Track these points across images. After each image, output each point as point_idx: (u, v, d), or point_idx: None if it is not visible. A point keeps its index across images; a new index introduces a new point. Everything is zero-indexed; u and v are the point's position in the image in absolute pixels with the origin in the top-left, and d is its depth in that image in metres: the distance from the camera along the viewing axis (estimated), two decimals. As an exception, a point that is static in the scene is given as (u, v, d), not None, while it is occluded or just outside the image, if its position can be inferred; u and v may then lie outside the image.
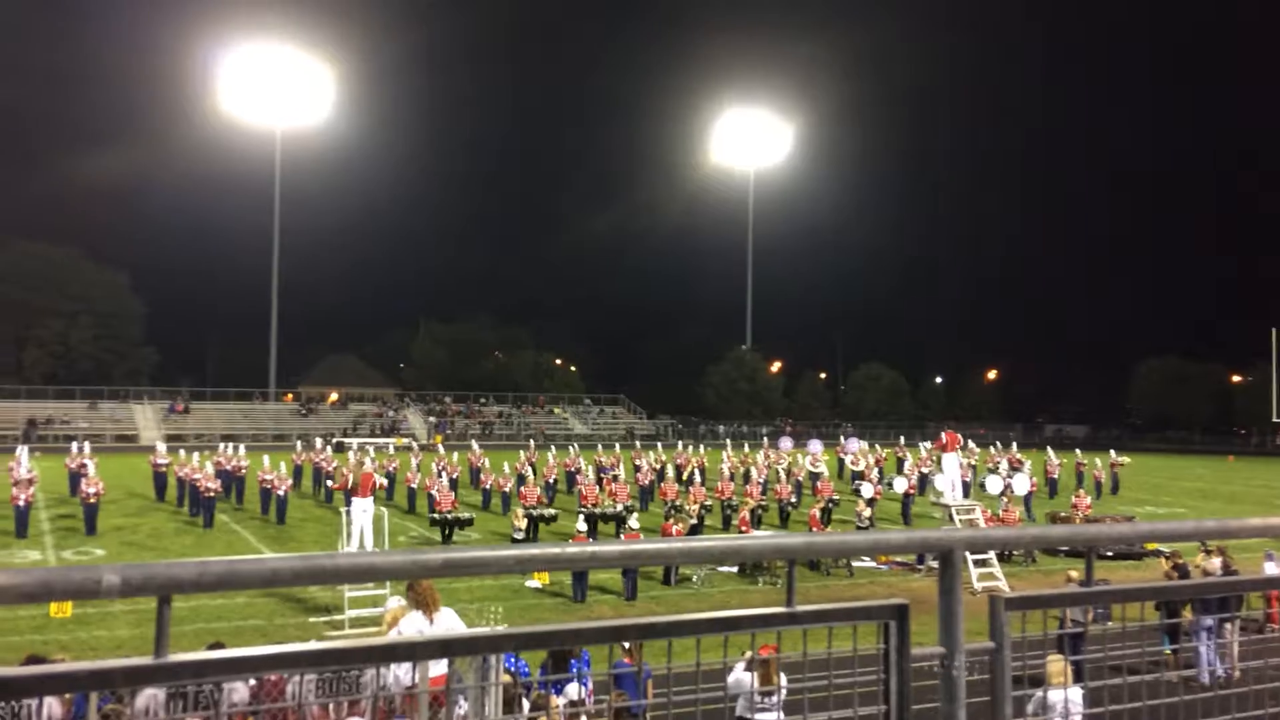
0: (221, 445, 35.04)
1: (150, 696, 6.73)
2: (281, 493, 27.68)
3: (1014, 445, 42.16)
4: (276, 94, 74.70)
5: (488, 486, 31.29)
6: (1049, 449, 41.42)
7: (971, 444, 37.33)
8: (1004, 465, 36.53)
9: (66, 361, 76.76)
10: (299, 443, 39.75)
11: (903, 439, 51.80)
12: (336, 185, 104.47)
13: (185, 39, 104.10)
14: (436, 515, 25.05)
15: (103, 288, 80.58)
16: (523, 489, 27.83)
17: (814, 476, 32.72)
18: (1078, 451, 41.24)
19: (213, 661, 1.65)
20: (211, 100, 76.81)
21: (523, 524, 23.20)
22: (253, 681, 6.81)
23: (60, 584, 1.54)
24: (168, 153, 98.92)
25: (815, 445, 37.51)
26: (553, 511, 27.00)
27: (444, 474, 30.03)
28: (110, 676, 1.58)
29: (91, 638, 15.22)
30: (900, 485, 30.45)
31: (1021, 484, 29.95)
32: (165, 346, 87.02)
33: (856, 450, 38.28)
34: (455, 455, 36.20)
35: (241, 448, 33.20)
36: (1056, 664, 8.04)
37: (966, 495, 23.27)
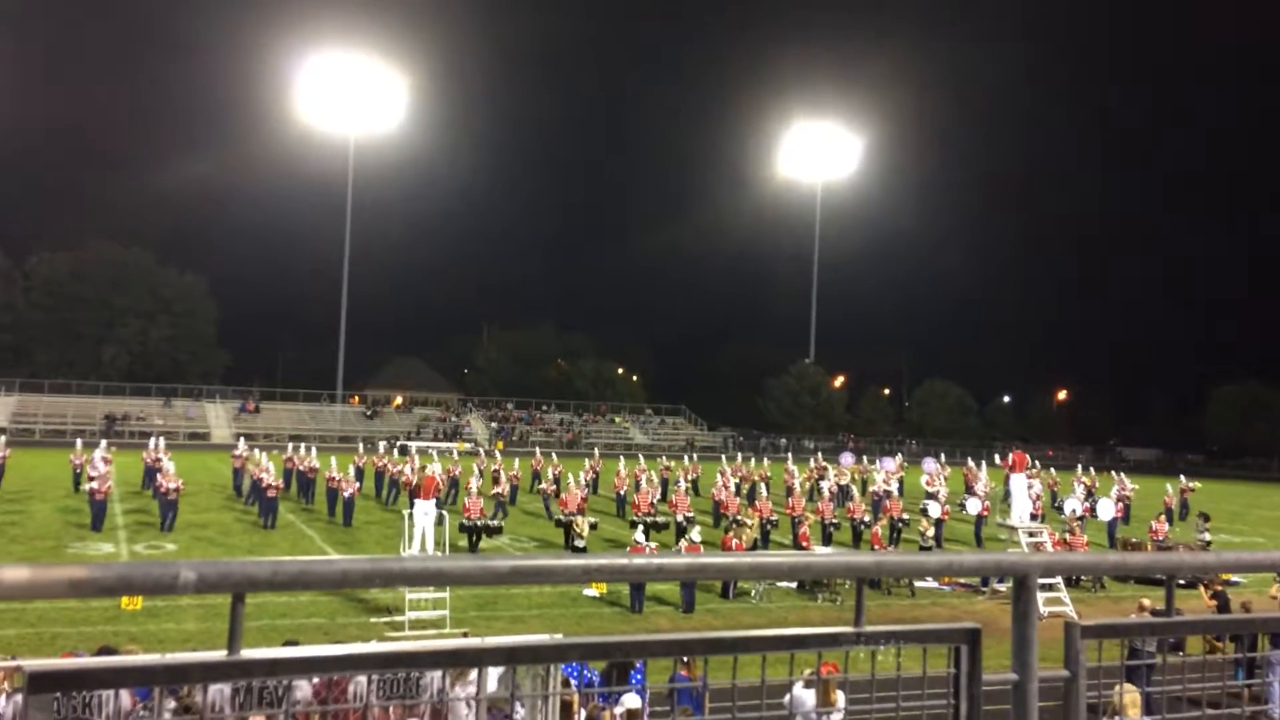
0: (290, 445, 35.68)
1: (217, 691, 6.85)
2: (348, 494, 27.96)
3: (1086, 468, 41.07)
4: (350, 102, 76.26)
5: (549, 493, 31.42)
6: (1121, 473, 40.35)
7: (1037, 465, 36.38)
8: (1080, 489, 35.62)
9: (144, 360, 79.11)
10: (361, 445, 40.36)
11: (975, 459, 50.73)
12: (406, 192, 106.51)
13: (263, 49, 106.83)
14: (465, 521, 24.88)
15: (180, 289, 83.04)
16: (564, 496, 27.78)
17: (884, 494, 32.27)
18: (1115, 474, 40.03)
19: (284, 660, 1.66)
20: (288, 108, 78.85)
21: (584, 531, 23.20)
22: (316, 680, 6.90)
23: (139, 578, 1.56)
24: (246, 160, 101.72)
25: (889, 463, 36.79)
26: (594, 519, 27.07)
27: (505, 480, 30.28)
28: (186, 672, 1.60)
29: (160, 630, 15.57)
30: (974, 506, 29.66)
31: (1105, 509, 28.96)
32: (238, 348, 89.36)
33: (934, 470, 37.14)
34: (516, 461, 36.50)
35: (314, 449, 33.65)
36: (1130, 695, 7.79)
37: (1036, 518, 22.78)
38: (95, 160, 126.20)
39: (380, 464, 34.67)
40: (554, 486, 31.21)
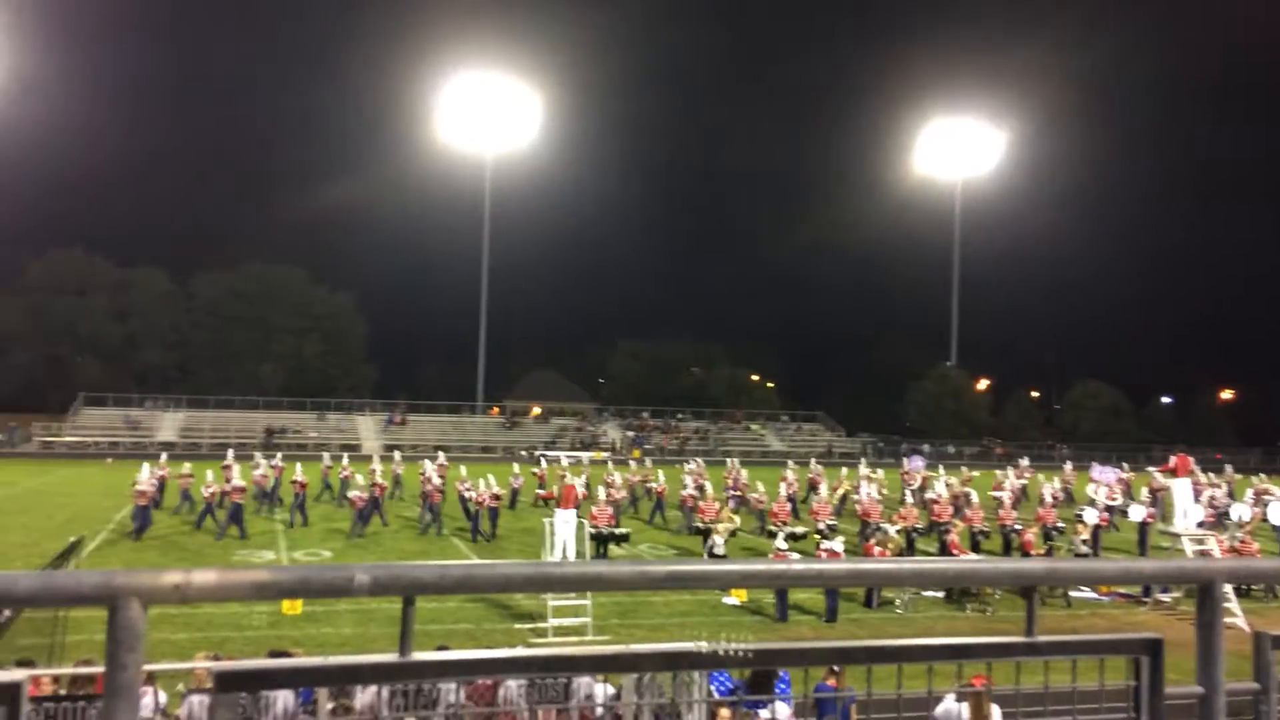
0: (441, 456, 36.43)
1: (372, 693, 7.09)
2: (493, 506, 28.28)
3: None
4: (487, 120, 78.34)
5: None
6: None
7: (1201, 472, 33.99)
8: (1249, 493, 33.40)
9: (298, 375, 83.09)
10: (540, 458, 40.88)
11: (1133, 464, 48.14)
12: (541, 207, 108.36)
13: (405, 74, 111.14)
14: (593, 530, 24.74)
15: (331, 307, 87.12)
16: (701, 504, 27.62)
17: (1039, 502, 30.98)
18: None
19: (453, 662, 1.69)
20: (429, 129, 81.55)
21: (723, 538, 23.09)
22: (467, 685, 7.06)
23: (317, 582, 1.62)
24: (390, 180, 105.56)
25: (1108, 474, 34.72)
26: (733, 526, 26.81)
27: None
28: (359, 673, 1.65)
29: (319, 634, 16.24)
30: (1137, 513, 28.08)
31: (1278, 513, 27.09)
32: (384, 362, 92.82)
33: (1113, 481, 35.00)
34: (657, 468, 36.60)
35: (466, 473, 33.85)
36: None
37: (1205, 525, 21.52)
38: (251, 183, 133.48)
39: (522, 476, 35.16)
40: (694, 495, 31.04)
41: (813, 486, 35.68)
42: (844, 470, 38.76)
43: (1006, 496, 29.63)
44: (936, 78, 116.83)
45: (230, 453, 34.10)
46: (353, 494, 27.76)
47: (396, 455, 34.60)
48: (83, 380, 73.49)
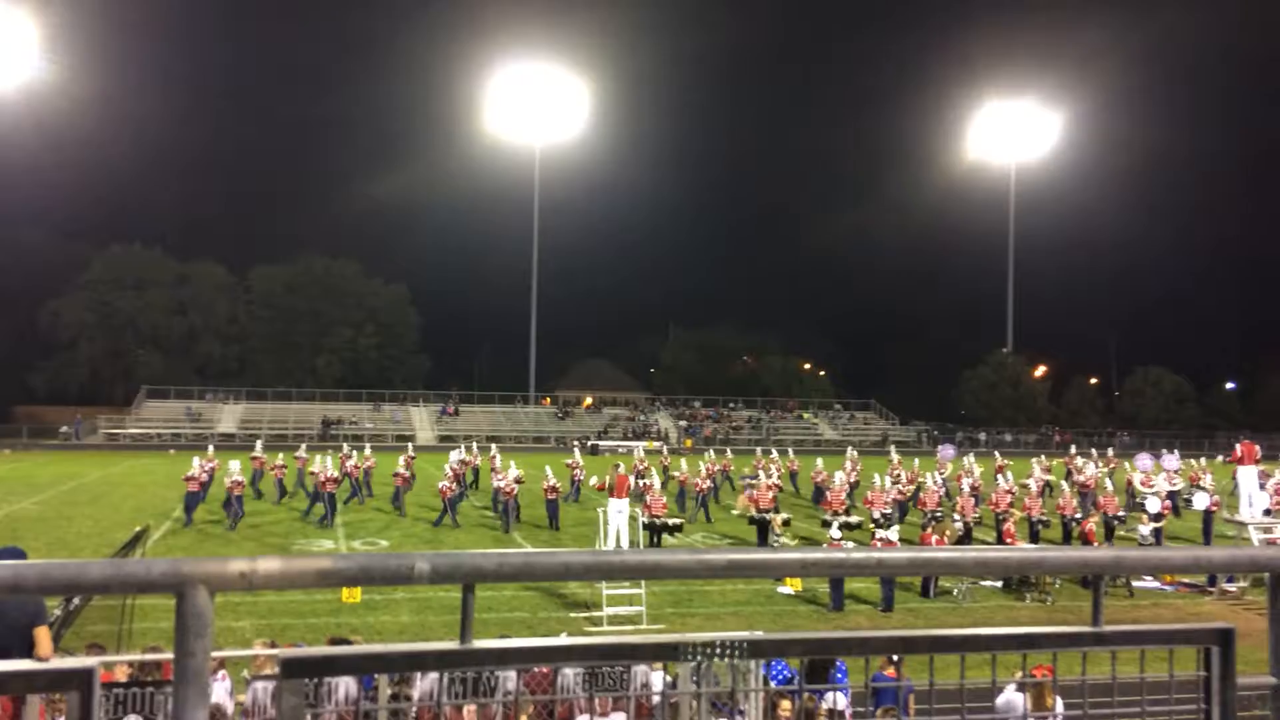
0: (493, 447, 36.72)
1: (432, 680, 7.17)
2: (553, 497, 28.22)
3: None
4: (535, 111, 78.69)
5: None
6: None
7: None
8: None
9: (354, 366, 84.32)
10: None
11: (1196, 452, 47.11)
12: (590, 197, 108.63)
13: (453, 66, 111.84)
14: (646, 519, 24.60)
15: (385, 299, 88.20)
16: (754, 494, 27.51)
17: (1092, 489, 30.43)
18: None
19: (513, 649, 1.70)
20: (478, 121, 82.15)
21: (779, 529, 23.00)
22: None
23: (378, 570, 1.63)
24: (441, 173, 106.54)
25: (1155, 460, 33.76)
26: (787, 515, 26.67)
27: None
28: (422, 659, 1.66)
29: (378, 622, 16.48)
30: (1201, 501, 27.45)
31: None
32: (437, 353, 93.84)
33: (1148, 468, 34.15)
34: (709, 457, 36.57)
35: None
36: None
37: (1269, 512, 21.00)
38: (305, 177, 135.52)
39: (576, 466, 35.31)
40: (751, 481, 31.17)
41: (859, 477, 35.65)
42: (905, 459, 38.39)
43: (1066, 486, 29.15)
44: (990, 59, 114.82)
45: (259, 444, 34.80)
46: (441, 484, 28.26)
47: (474, 446, 35.03)
48: (144, 373, 75.28)
